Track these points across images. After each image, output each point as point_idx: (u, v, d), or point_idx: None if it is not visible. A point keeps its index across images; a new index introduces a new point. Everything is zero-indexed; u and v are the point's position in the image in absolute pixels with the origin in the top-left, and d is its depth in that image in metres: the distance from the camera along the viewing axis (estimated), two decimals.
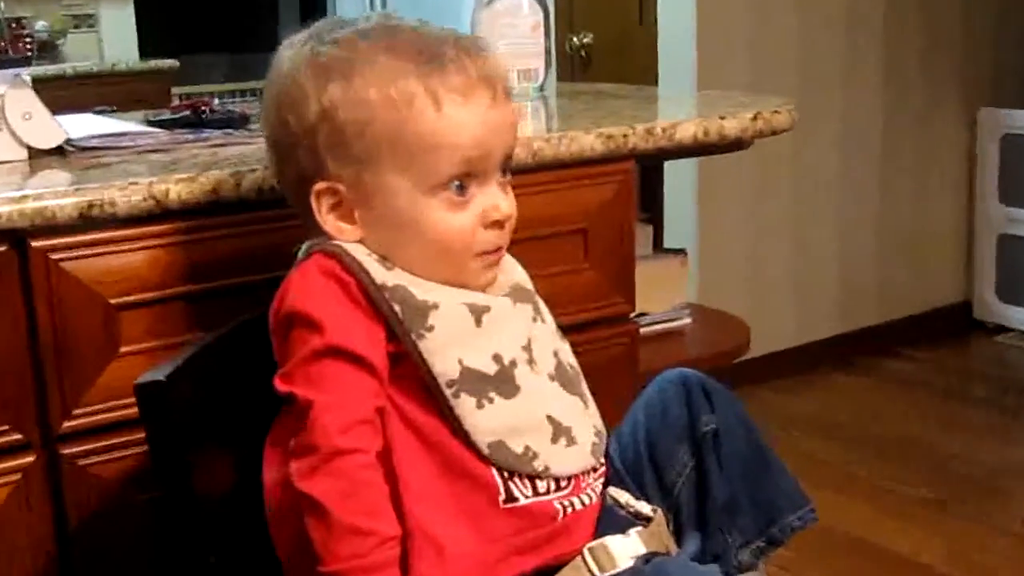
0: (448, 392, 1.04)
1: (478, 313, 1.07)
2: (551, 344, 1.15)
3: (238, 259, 1.27)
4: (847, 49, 3.50)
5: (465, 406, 1.04)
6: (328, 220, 1.06)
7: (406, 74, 1.04)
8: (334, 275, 1.04)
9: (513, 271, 1.17)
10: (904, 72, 3.63)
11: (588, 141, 1.50)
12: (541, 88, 1.96)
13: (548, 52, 1.96)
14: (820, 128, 3.46)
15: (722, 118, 1.62)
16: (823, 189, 3.53)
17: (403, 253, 1.06)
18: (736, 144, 1.70)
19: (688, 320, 1.97)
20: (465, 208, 1.06)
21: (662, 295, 1.93)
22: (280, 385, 1.01)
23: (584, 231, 1.55)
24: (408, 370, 1.04)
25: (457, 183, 1.06)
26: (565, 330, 1.42)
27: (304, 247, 1.10)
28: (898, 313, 3.75)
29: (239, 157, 1.34)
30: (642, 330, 1.73)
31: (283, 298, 1.04)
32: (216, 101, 1.69)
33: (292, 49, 1.08)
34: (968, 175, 3.82)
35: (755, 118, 1.65)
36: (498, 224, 1.08)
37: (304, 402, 0.99)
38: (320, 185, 1.05)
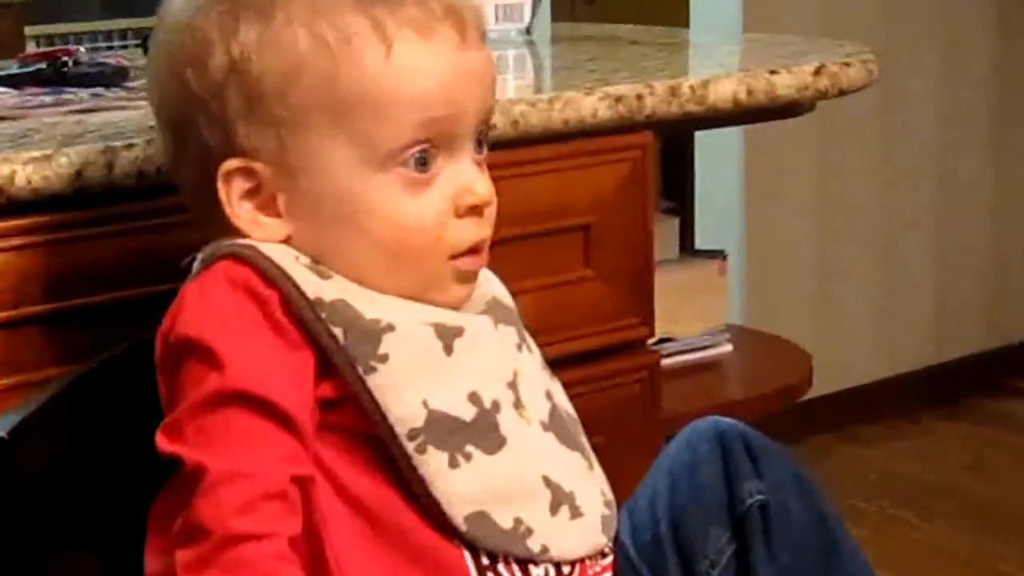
0: (410, 445, 1.03)
1: (448, 337, 1.07)
2: (542, 382, 1.15)
3: (113, 267, 1.27)
4: None
5: (433, 464, 1.04)
6: (242, 211, 1.06)
7: (343, 6, 1.04)
8: (248, 288, 1.03)
9: (489, 283, 1.17)
10: None
11: (590, 105, 1.50)
12: (527, 31, 1.97)
13: None
14: (913, 88, 3.49)
15: (772, 72, 1.63)
16: (916, 172, 3.56)
17: (344, 255, 1.06)
18: (792, 108, 1.71)
19: (729, 348, 1.98)
20: (428, 188, 1.06)
21: (693, 314, 1.94)
22: (163, 442, 1.00)
23: (586, 228, 1.56)
24: (347, 418, 1.04)
25: (417, 154, 1.05)
26: (562, 362, 1.43)
27: (203, 254, 1.09)
28: (1013, 338, 3.77)
29: (114, 127, 1.34)
30: (666, 361, 1.74)
31: (174, 320, 1.03)
32: (83, 49, 1.69)
33: None
34: None
35: (817, 72, 1.66)
36: (475, 211, 1.08)
37: (193, 467, 0.98)
38: (230, 164, 1.05)
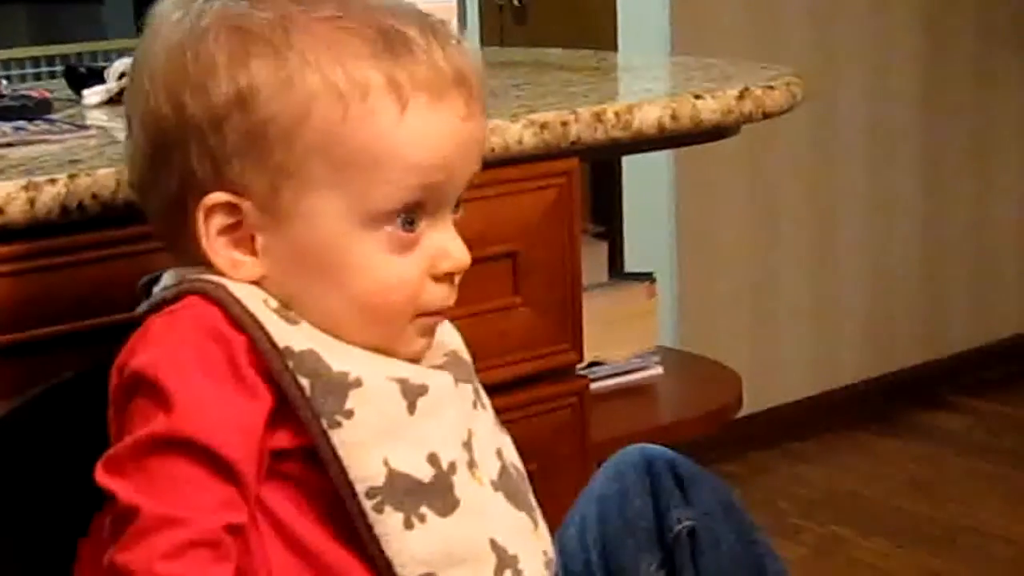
0: (368, 504, 1.03)
1: (412, 395, 1.06)
2: (494, 440, 1.15)
3: (32, 305, 1.26)
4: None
5: (389, 524, 1.04)
6: (219, 248, 1.05)
7: (361, 57, 1.03)
8: (214, 332, 1.02)
9: (449, 334, 1.17)
10: (953, 32, 3.70)
11: (515, 132, 1.52)
12: None
13: (462, 6, 1.98)
14: (842, 107, 3.52)
15: (697, 97, 1.65)
16: (847, 189, 3.58)
17: (316, 303, 1.06)
18: (718, 132, 1.73)
19: (659, 370, 1.99)
20: (411, 251, 1.06)
21: (623, 337, 1.95)
22: (101, 475, 1.00)
23: (513, 255, 1.57)
24: (300, 470, 1.04)
25: (406, 216, 1.05)
26: (491, 389, 1.43)
27: (168, 281, 1.08)
28: (949, 350, 3.82)
29: (35, 162, 1.34)
30: (596, 386, 1.75)
31: (133, 352, 1.02)
32: (4, 82, 1.69)
33: (190, 4, 1.06)
34: None
35: (741, 96, 1.68)
36: (449, 276, 1.09)
37: (127, 507, 0.98)
38: (216, 197, 1.03)
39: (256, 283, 1.05)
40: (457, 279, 1.10)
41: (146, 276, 1.12)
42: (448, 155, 1.06)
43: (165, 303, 1.06)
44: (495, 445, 1.15)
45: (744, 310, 3.46)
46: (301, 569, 1.04)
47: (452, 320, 1.51)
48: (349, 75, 1.02)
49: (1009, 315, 3.92)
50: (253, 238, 1.05)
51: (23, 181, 1.25)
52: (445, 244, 1.08)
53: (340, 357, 1.05)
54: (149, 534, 0.97)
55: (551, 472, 1.41)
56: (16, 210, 1.24)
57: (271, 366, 1.02)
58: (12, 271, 1.26)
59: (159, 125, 1.05)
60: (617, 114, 1.58)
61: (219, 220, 1.04)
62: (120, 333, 1.07)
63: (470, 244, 1.51)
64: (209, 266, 1.05)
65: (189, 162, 1.04)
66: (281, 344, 1.03)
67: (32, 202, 1.25)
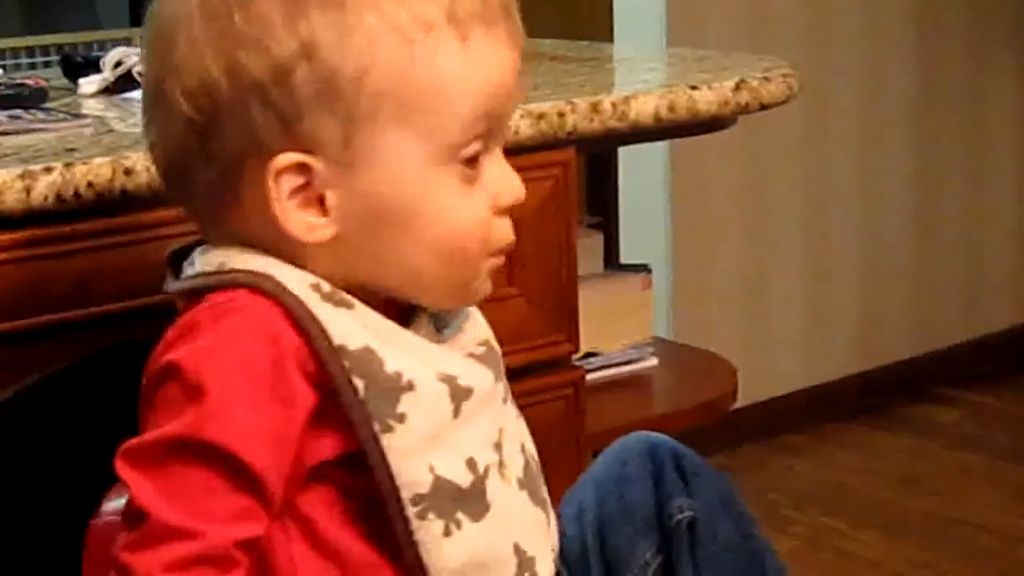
0: (412, 511, 1.01)
1: (459, 399, 1.05)
2: (517, 433, 1.14)
3: (27, 294, 1.26)
4: None
5: (431, 532, 1.02)
6: (291, 213, 1.01)
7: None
8: (266, 333, 0.99)
9: (476, 319, 1.15)
10: (946, 25, 3.70)
11: (512, 122, 1.51)
12: None
13: None
14: (837, 101, 3.52)
15: (693, 88, 1.65)
16: (841, 182, 3.59)
17: (392, 258, 1.04)
18: (714, 123, 1.73)
19: (654, 362, 1.99)
20: (476, 185, 1.05)
21: (618, 329, 1.95)
22: (121, 467, 0.97)
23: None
24: (340, 474, 1.02)
25: (472, 152, 1.04)
26: None
27: (206, 265, 1.04)
28: (941, 343, 3.82)
29: (31, 151, 1.33)
30: (591, 377, 1.75)
31: (176, 341, 0.99)
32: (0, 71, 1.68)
33: None
34: None
35: (737, 88, 1.68)
36: (506, 211, 1.08)
37: (141, 507, 0.96)
38: (286, 158, 1.00)
39: (319, 251, 1.02)
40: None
41: (172, 248, 1.08)
42: (504, 83, 1.05)
43: (208, 291, 1.02)
44: (519, 440, 1.14)
45: (737, 303, 3.46)
46: (328, 570, 1.02)
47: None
48: (411, 12, 1.01)
49: (1000, 309, 3.93)
50: (322, 198, 1.02)
51: (19, 170, 1.25)
52: (503, 177, 1.07)
53: (393, 350, 1.02)
54: (158, 541, 0.95)
55: (546, 463, 1.39)
56: (12, 199, 1.24)
57: (327, 366, 1.00)
58: (8, 259, 1.26)
59: (210, 91, 1.01)
60: (614, 104, 1.58)
61: (289, 182, 1.01)
62: (115, 321, 1.07)
63: None
64: (263, 236, 1.02)
65: (251, 125, 1.00)
66: (337, 342, 1.00)
67: (28, 191, 1.25)
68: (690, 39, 3.18)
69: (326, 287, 1.02)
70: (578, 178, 1.63)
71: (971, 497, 3.15)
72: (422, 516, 1.02)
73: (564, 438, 1.60)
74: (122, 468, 0.97)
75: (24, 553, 1.12)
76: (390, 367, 1.01)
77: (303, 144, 1.01)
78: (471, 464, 1.05)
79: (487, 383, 1.09)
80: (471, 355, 1.10)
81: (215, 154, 1.02)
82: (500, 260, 1.09)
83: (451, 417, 1.04)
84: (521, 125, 1.52)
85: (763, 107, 1.71)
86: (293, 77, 0.99)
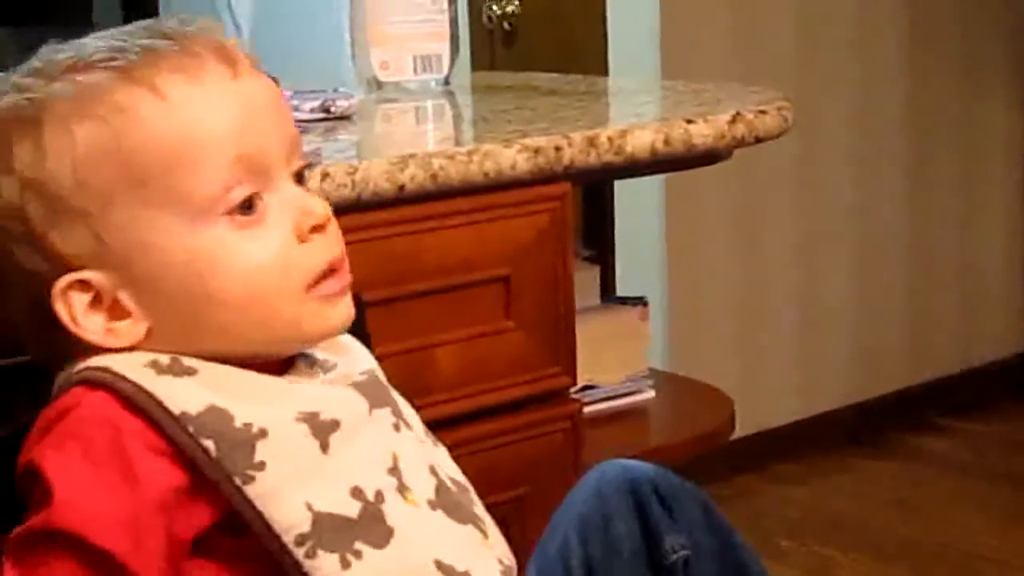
0: (298, 552, 1.01)
1: (323, 434, 1.04)
2: (423, 457, 1.13)
3: None
4: (862, 22, 3.58)
5: (325, 567, 1.01)
6: (90, 325, 1.03)
7: (105, 84, 1.02)
8: (100, 419, 1.00)
9: (357, 353, 1.15)
10: (938, 51, 3.71)
11: (508, 157, 1.52)
12: (446, 81, 1.98)
13: (455, 28, 1.98)
14: (828, 132, 3.52)
15: (689, 122, 1.65)
16: (834, 213, 3.59)
17: (206, 330, 1.04)
18: (709, 157, 1.73)
19: (651, 394, 1.99)
20: (261, 226, 1.04)
21: (615, 361, 1.95)
22: (4, 560, 0.98)
23: (506, 279, 1.57)
24: (225, 542, 1.01)
25: (239, 200, 1.03)
26: (484, 413, 1.43)
27: (59, 381, 1.05)
28: (936, 372, 3.82)
29: None
30: (588, 409, 1.75)
31: (27, 447, 1.01)
32: None
33: None
34: None
35: (733, 121, 1.68)
36: (319, 230, 1.05)
37: None
38: (60, 282, 1.02)
39: (143, 340, 1.03)
40: (332, 231, 1.07)
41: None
42: (237, 122, 1.03)
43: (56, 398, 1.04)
44: (427, 463, 1.12)
45: (732, 334, 3.46)
46: None
47: (444, 344, 1.52)
48: (102, 100, 1.01)
49: (995, 337, 3.93)
50: (118, 300, 1.03)
51: None
52: (297, 204, 1.05)
53: (242, 402, 1.02)
54: None
55: (544, 496, 1.40)
56: None
57: (173, 438, 1.00)
58: None
59: None
60: (610, 139, 1.58)
61: (78, 301, 1.03)
62: None
63: (463, 268, 1.53)
64: (92, 351, 1.03)
65: (21, 266, 1.03)
66: (177, 411, 1.00)
67: None
68: (683, 69, 3.18)
69: (164, 360, 1.03)
70: (574, 211, 1.64)
71: (965, 524, 3.15)
72: (311, 555, 1.01)
73: (561, 470, 1.60)
74: (4, 560, 0.98)
75: None
76: (239, 420, 1.01)
77: (69, 263, 1.02)
78: (356, 492, 1.04)
79: (358, 412, 1.08)
80: (353, 384, 1.09)
81: (13, 299, 1.06)
82: (329, 287, 1.06)
83: (319, 452, 1.03)
84: (518, 160, 1.52)
85: (759, 140, 1.71)
86: (27, 210, 1.02)
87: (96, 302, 1.03)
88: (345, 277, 1.08)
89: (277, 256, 1.04)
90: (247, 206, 1.03)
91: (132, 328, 1.03)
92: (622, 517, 1.18)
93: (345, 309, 1.08)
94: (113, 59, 1.02)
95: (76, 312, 1.03)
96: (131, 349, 1.03)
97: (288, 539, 1.01)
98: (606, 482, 1.20)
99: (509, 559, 1.14)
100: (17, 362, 1.25)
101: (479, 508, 1.15)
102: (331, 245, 1.06)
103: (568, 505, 1.22)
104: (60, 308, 1.02)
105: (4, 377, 1.24)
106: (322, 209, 1.06)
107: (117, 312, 1.03)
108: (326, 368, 1.11)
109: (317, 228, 1.05)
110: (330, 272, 1.06)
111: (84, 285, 1.02)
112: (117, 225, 1.02)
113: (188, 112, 1.01)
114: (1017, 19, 3.85)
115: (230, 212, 1.02)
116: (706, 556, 1.19)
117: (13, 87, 1.04)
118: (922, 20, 3.68)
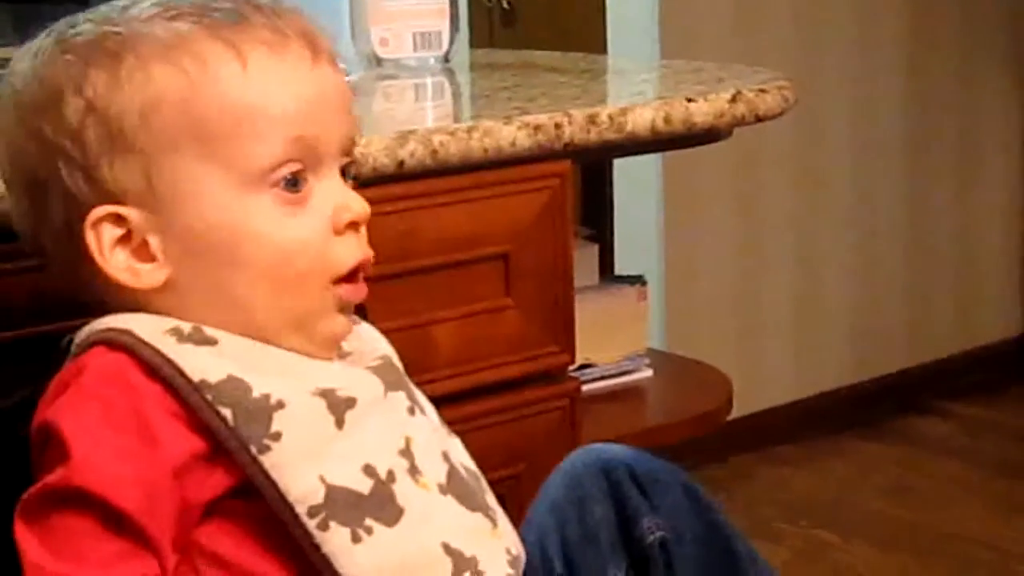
0: (311, 523, 1.02)
1: (339, 410, 1.05)
2: (437, 443, 1.14)
3: None
4: (863, 6, 3.57)
5: (336, 541, 1.02)
6: (116, 261, 1.04)
7: (194, 35, 1.04)
8: (120, 382, 1.01)
9: (375, 341, 1.16)
10: (938, 39, 3.71)
11: (508, 134, 1.51)
12: (446, 59, 1.98)
13: (455, 6, 1.98)
14: (827, 112, 3.53)
15: (689, 100, 1.64)
16: (832, 194, 3.59)
17: (225, 293, 1.05)
18: (709, 135, 1.73)
19: (649, 373, 1.99)
20: (303, 208, 1.06)
21: (613, 340, 1.95)
22: (18, 524, 0.99)
23: (504, 256, 1.56)
24: (240, 505, 1.02)
25: (288, 175, 1.05)
26: (482, 391, 1.43)
27: (78, 337, 1.05)
28: (932, 355, 3.83)
29: None
30: (586, 388, 1.75)
31: (44, 405, 1.02)
32: None
33: (29, 54, 1.07)
34: None
35: (733, 100, 1.67)
36: (354, 227, 1.07)
37: (26, 561, 0.97)
38: (98, 211, 1.03)
39: (161, 292, 1.05)
40: (363, 233, 1.09)
41: (68, 336, 1.10)
42: (307, 103, 1.05)
43: (76, 357, 1.05)
44: (440, 449, 1.13)
45: (729, 314, 3.47)
46: None
47: (443, 322, 1.51)
48: (186, 51, 1.03)
49: (992, 321, 3.94)
50: (147, 244, 1.04)
51: None
52: (339, 196, 1.07)
53: (261, 374, 1.03)
54: None
55: (542, 474, 1.39)
56: None
57: (192, 404, 1.01)
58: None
59: (26, 161, 1.06)
60: (611, 116, 1.58)
61: (109, 233, 1.04)
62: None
63: (462, 245, 1.53)
64: (116, 291, 1.05)
65: (64, 187, 1.04)
66: (196, 378, 1.01)
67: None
68: (683, 50, 3.18)
69: (186, 328, 1.04)
70: (574, 190, 1.63)
71: (963, 509, 3.15)
72: (323, 527, 1.02)
73: (559, 449, 1.59)
74: (17, 525, 0.99)
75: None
76: (257, 391, 1.02)
77: (112, 195, 1.04)
78: (368, 470, 1.05)
79: (373, 392, 1.09)
80: (369, 367, 1.11)
81: (49, 219, 1.07)
82: (349, 293, 1.08)
83: (334, 428, 1.04)
84: (518, 136, 1.52)
85: (759, 119, 1.71)
86: (85, 132, 1.03)
87: (125, 239, 1.04)
88: (362, 290, 1.10)
89: (313, 238, 1.06)
90: (293, 183, 1.05)
91: (153, 273, 1.04)
92: (596, 500, 1.18)
93: (347, 322, 1.10)
94: (205, 15, 1.05)
95: (104, 243, 1.04)
96: (145, 300, 1.05)
97: (301, 510, 1.02)
98: (579, 466, 1.20)
99: (517, 548, 1.14)
100: (16, 335, 1.26)
101: (490, 498, 1.16)
102: (363, 246, 1.08)
103: (544, 493, 1.22)
104: (90, 236, 1.04)
105: (2, 352, 1.25)
106: (361, 207, 1.08)
107: (143, 254, 1.04)
108: (342, 353, 1.12)
109: (353, 224, 1.07)
110: (355, 275, 1.08)
111: (119, 220, 1.04)
112: (169, 171, 1.03)
113: (263, 84, 1.04)
114: (1017, 5, 3.84)
115: (277, 185, 1.04)
116: (689, 539, 1.19)
117: (83, 23, 1.06)
118: (922, 5, 3.68)
